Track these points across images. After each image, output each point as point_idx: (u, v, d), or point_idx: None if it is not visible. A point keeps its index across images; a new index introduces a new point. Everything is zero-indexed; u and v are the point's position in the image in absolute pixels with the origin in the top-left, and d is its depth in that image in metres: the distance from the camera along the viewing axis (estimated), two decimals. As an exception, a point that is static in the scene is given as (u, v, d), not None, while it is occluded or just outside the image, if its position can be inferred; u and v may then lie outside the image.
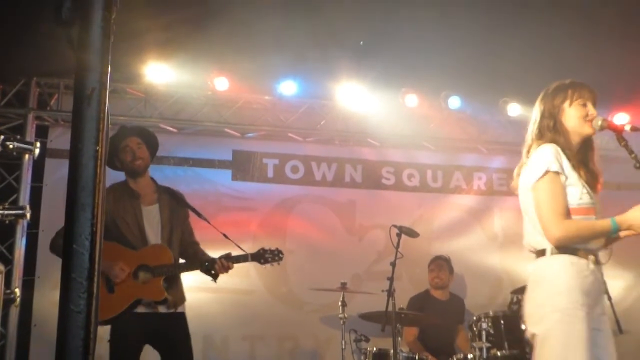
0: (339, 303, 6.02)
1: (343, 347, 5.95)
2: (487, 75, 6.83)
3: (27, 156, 6.50)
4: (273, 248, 5.02)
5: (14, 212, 3.85)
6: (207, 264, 4.80)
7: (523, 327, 3.43)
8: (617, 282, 7.42)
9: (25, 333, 6.59)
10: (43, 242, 6.81)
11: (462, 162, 8.35)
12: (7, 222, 3.68)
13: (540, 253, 3.28)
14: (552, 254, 3.23)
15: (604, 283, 3.36)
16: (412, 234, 6.05)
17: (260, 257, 4.95)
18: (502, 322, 6.00)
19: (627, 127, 3.55)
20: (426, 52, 6.35)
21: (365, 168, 8.06)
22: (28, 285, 6.65)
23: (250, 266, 5.65)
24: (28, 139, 6.63)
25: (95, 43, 1.45)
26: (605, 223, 3.27)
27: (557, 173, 3.25)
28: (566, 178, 3.27)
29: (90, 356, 1.35)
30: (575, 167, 3.34)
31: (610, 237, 3.36)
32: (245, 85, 7.34)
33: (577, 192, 3.28)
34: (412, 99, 7.59)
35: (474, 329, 6.06)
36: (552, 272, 3.21)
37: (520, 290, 6.32)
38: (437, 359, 6.37)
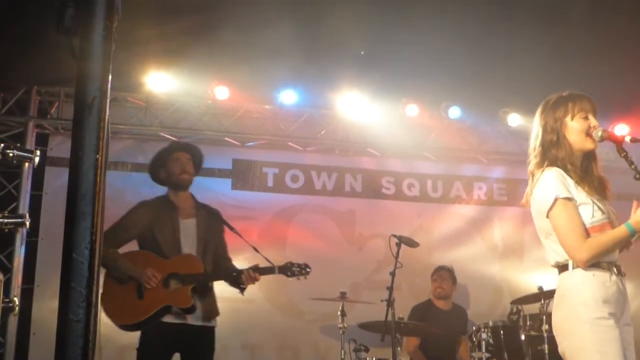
0: (339, 313, 6.01)
1: (342, 357, 5.94)
2: (488, 86, 6.85)
3: (27, 164, 6.47)
4: (301, 262, 5.11)
5: (13, 220, 3.84)
6: (234, 274, 4.90)
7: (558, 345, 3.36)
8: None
9: (24, 341, 6.57)
10: (42, 251, 6.81)
11: (462, 172, 8.35)
12: (6, 230, 3.67)
13: (564, 267, 3.29)
14: (574, 267, 3.24)
15: (626, 294, 3.40)
16: (411, 243, 6.04)
17: (287, 269, 5.03)
18: (501, 332, 6.00)
19: (627, 138, 3.55)
20: (427, 62, 6.36)
21: (365, 177, 8.06)
22: (27, 294, 6.64)
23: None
24: (28, 147, 6.63)
25: (96, 52, 1.45)
26: (622, 230, 3.29)
27: (566, 199, 3.25)
28: (576, 200, 3.28)
29: (89, 365, 1.34)
30: (580, 183, 3.34)
31: (630, 241, 3.38)
32: (245, 95, 7.35)
33: (589, 211, 3.29)
34: (412, 109, 7.60)
35: (474, 339, 6.05)
36: (575, 285, 3.22)
37: (520, 301, 6.32)
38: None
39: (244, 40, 6.01)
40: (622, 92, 6.83)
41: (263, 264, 5.03)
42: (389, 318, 5.72)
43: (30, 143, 6.94)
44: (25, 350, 6.57)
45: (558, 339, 3.27)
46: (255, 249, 5.16)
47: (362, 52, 6.42)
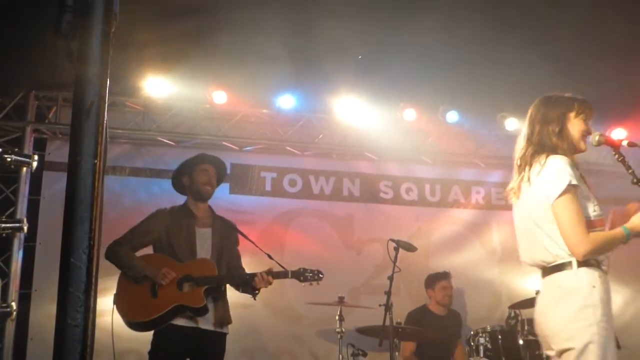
0: (337, 317, 6.00)
1: (340, 361, 5.93)
2: (485, 90, 6.86)
3: (24, 169, 6.51)
4: (314, 268, 5.19)
5: (11, 225, 3.84)
6: (247, 276, 4.99)
7: (548, 348, 3.32)
8: (615, 297, 7.37)
9: (22, 347, 6.56)
10: (40, 255, 6.80)
11: (460, 176, 8.35)
12: (4, 235, 3.67)
13: (560, 267, 3.24)
14: (579, 267, 3.20)
15: None
16: (409, 248, 6.04)
17: (300, 274, 5.14)
18: (499, 337, 6.00)
19: (625, 143, 3.55)
20: (424, 66, 6.37)
21: (363, 182, 8.06)
22: (25, 299, 6.63)
23: (247, 280, 5.67)
24: (26, 151, 6.63)
25: (94, 56, 1.45)
26: (619, 232, 3.29)
27: (575, 186, 3.22)
28: (582, 191, 3.28)
29: (87, 370, 1.34)
30: (581, 177, 3.34)
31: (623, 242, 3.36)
32: (243, 99, 7.35)
33: (591, 205, 3.30)
34: (410, 113, 7.61)
35: (472, 343, 6.05)
36: (584, 285, 3.18)
37: (518, 305, 6.32)
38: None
39: (241, 45, 6.02)
40: (619, 97, 6.85)
41: (276, 269, 5.12)
42: (387, 323, 5.71)
43: (28, 148, 6.93)
44: (22, 355, 6.55)
45: (555, 340, 3.21)
46: (270, 256, 5.23)
47: (360, 57, 6.42)
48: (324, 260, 7.43)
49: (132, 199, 7.29)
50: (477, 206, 8.29)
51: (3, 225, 3.66)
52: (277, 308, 7.29)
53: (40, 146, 7.17)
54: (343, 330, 5.94)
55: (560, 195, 3.19)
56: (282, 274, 5.06)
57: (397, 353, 5.88)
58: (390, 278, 5.76)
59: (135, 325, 4.85)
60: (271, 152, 7.84)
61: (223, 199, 7.43)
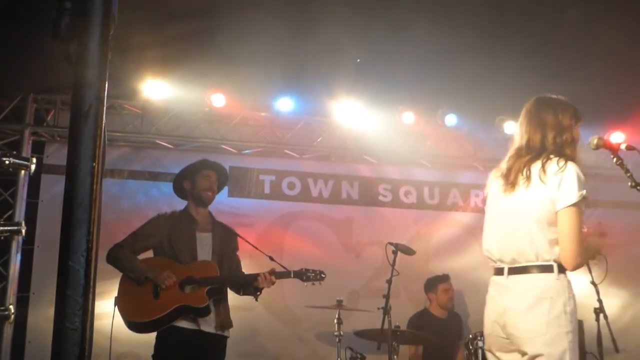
0: (335, 320, 6.00)
1: (339, 364, 5.93)
2: (484, 93, 6.86)
3: (23, 172, 6.51)
4: (316, 268, 5.22)
5: (9, 228, 3.84)
6: (250, 277, 5.01)
7: (511, 350, 3.29)
8: (613, 301, 7.41)
9: (20, 350, 6.55)
10: (38, 258, 6.79)
11: (458, 179, 8.36)
12: (2, 238, 3.67)
13: (542, 268, 3.21)
14: (559, 272, 3.20)
15: None
16: (407, 251, 6.04)
17: (303, 274, 5.17)
18: (498, 340, 5.98)
19: (623, 146, 3.56)
20: (423, 70, 6.38)
21: (362, 185, 8.07)
22: (23, 302, 6.62)
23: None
24: (24, 154, 6.63)
25: (93, 59, 1.45)
26: (591, 250, 3.36)
27: (585, 198, 3.22)
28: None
29: (85, 374, 1.34)
30: None
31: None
32: (242, 102, 7.35)
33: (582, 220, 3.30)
34: (408, 117, 7.62)
35: (470, 347, 6.04)
36: (564, 291, 3.18)
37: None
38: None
39: (240, 48, 6.02)
40: (617, 100, 6.86)
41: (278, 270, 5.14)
42: (386, 326, 5.71)
43: (26, 151, 6.93)
44: (20, 358, 6.55)
45: (531, 343, 3.16)
46: (271, 258, 5.26)
47: (358, 60, 6.43)
48: (323, 263, 7.40)
49: (131, 202, 7.29)
50: (476, 209, 8.29)
51: (1, 228, 3.66)
52: (276, 311, 7.29)
53: (38, 149, 7.17)
54: (342, 333, 5.95)
55: (574, 204, 3.18)
56: (284, 274, 5.09)
57: (395, 356, 5.88)
58: (389, 281, 5.76)
59: (136, 325, 4.85)
60: (270, 155, 7.84)
61: (222, 202, 7.42)
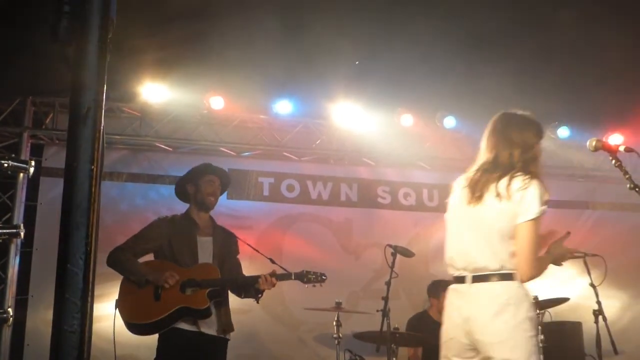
0: (334, 322, 5.99)
1: (338, 367, 5.92)
2: (482, 95, 6.86)
3: (21, 175, 6.50)
4: (317, 271, 5.20)
5: (7, 230, 3.83)
6: (251, 279, 4.97)
7: (472, 357, 3.40)
8: (612, 303, 7.41)
9: (18, 353, 6.54)
10: (37, 261, 6.79)
11: (457, 181, 8.35)
12: (0, 240, 3.67)
13: (505, 276, 3.33)
14: (519, 279, 3.32)
15: None
16: (407, 253, 6.03)
17: (304, 276, 5.13)
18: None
19: (622, 148, 3.56)
20: (421, 72, 6.38)
21: (360, 187, 8.07)
22: (21, 305, 6.61)
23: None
24: (23, 157, 6.63)
25: (91, 62, 1.45)
26: (548, 259, 3.43)
27: (544, 214, 3.34)
28: None
29: (84, 377, 1.34)
30: None
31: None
32: (240, 105, 7.36)
33: None
34: (407, 119, 7.62)
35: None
36: (526, 298, 3.30)
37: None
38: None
39: (238, 51, 6.02)
40: (616, 102, 6.86)
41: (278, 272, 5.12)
42: (385, 328, 5.70)
43: (25, 153, 6.93)
44: (19, 361, 6.55)
45: (497, 349, 3.23)
46: (272, 261, 5.23)
47: (357, 62, 6.43)
48: (323, 265, 7.40)
49: (129, 204, 7.28)
50: (475, 211, 8.29)
51: (0, 231, 3.65)
52: (275, 313, 7.28)
53: (37, 152, 7.17)
54: (341, 335, 5.94)
55: (534, 218, 3.29)
56: (285, 276, 5.06)
57: (394, 359, 5.87)
58: (388, 283, 5.75)
59: (136, 327, 4.82)
60: (269, 158, 7.84)
61: (221, 205, 7.37)
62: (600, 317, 5.88)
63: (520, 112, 3.67)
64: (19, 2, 5.03)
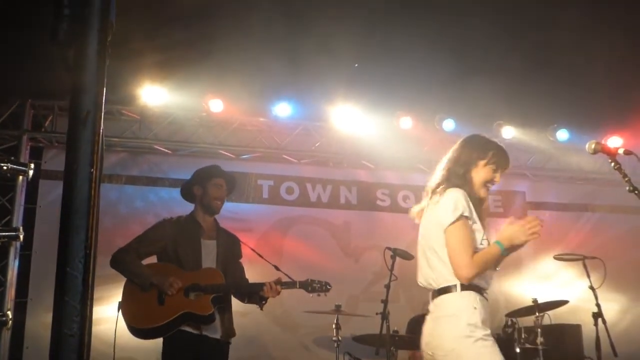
0: (333, 325, 5.99)
1: (337, 370, 5.92)
2: (481, 99, 6.87)
3: (21, 178, 6.51)
4: (322, 280, 5.17)
5: (7, 233, 3.84)
6: (255, 286, 4.95)
7: None
8: (611, 305, 7.41)
9: (17, 356, 6.53)
10: (36, 264, 6.78)
11: (457, 184, 8.35)
12: (0, 243, 3.66)
13: (446, 290, 3.41)
14: (461, 290, 3.37)
15: None
16: (406, 256, 6.02)
17: (308, 285, 5.11)
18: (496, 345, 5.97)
19: (621, 151, 3.56)
20: (420, 75, 6.38)
21: (360, 190, 8.07)
22: (20, 308, 6.61)
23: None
24: (22, 160, 6.62)
25: (90, 65, 1.45)
26: (495, 247, 3.42)
27: (467, 218, 3.42)
28: (473, 222, 3.45)
29: (83, 380, 1.33)
30: (478, 214, 3.51)
31: (503, 256, 3.47)
32: (240, 107, 7.36)
33: (479, 237, 3.46)
34: (406, 122, 7.63)
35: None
36: (467, 307, 3.34)
37: (515, 314, 6.32)
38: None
39: (238, 54, 6.03)
40: (615, 105, 6.87)
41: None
42: (384, 331, 5.70)
43: (24, 156, 6.93)
44: (18, 364, 6.54)
45: (447, 357, 3.30)
46: (277, 267, 5.23)
47: (356, 65, 6.44)
48: (322, 268, 7.45)
49: (129, 207, 7.28)
50: (475, 214, 8.29)
51: (-1, 234, 3.65)
52: (275, 316, 7.27)
53: (36, 155, 7.17)
54: (340, 338, 5.93)
55: (452, 223, 3.38)
56: (290, 284, 5.04)
57: (394, 362, 5.87)
58: (387, 286, 5.75)
59: (139, 332, 4.78)
60: (268, 160, 7.84)
61: (220, 207, 7.44)
62: (599, 320, 5.88)
63: (483, 137, 3.83)
64: (18, 5, 5.03)
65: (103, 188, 1.47)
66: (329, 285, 5.17)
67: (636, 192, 3.41)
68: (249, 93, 7.04)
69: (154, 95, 7.01)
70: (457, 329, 3.29)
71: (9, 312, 4.49)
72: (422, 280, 3.61)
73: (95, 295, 1.41)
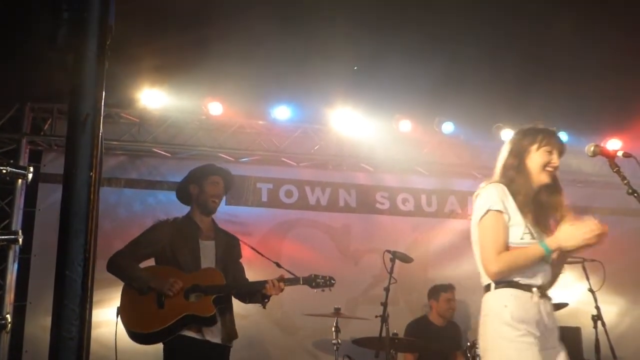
0: (333, 328, 5.98)
1: (337, 373, 5.91)
2: (481, 101, 6.87)
3: (20, 181, 6.49)
4: (325, 275, 5.10)
5: (6, 237, 3.84)
6: (258, 284, 4.85)
7: None
8: (610, 308, 7.41)
9: (17, 359, 6.53)
10: (35, 268, 6.78)
11: (456, 186, 8.36)
12: (-1, 247, 3.67)
13: (486, 289, 3.42)
14: (496, 288, 3.36)
15: (552, 318, 3.41)
16: (405, 259, 6.03)
17: (312, 281, 5.04)
18: (496, 347, 5.97)
19: (620, 153, 3.56)
20: (419, 78, 6.38)
21: (359, 193, 8.07)
22: (19, 311, 6.60)
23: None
24: (21, 163, 6.62)
25: (89, 69, 1.46)
26: (536, 247, 3.34)
27: (498, 212, 3.38)
28: (509, 218, 3.39)
29: (82, 383, 1.33)
30: (523, 209, 3.43)
31: (547, 258, 3.40)
32: (239, 110, 7.36)
33: (518, 232, 3.38)
34: (405, 124, 7.63)
35: (469, 354, 6.03)
36: (498, 305, 3.31)
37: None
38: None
39: (237, 57, 6.02)
40: (614, 108, 6.87)
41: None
42: (384, 334, 5.70)
43: (23, 159, 6.93)
44: (17, 367, 6.53)
45: (485, 357, 3.33)
46: (278, 264, 5.16)
47: (355, 68, 6.44)
48: (322, 271, 7.39)
49: (128, 210, 7.28)
50: (474, 217, 8.29)
51: (-2, 237, 3.65)
52: (274, 319, 7.26)
53: (35, 158, 7.16)
54: (339, 341, 5.93)
55: (481, 218, 3.41)
56: (293, 281, 4.95)
57: (393, 364, 5.87)
58: (387, 289, 5.75)
59: (140, 336, 4.67)
60: (267, 163, 7.84)
61: (220, 210, 7.33)
62: (599, 322, 5.88)
63: (531, 126, 3.71)
64: (17, 8, 5.03)
65: (102, 191, 1.47)
66: (333, 280, 5.09)
67: (635, 194, 3.41)
68: (248, 96, 7.04)
69: (153, 98, 7.01)
70: (489, 329, 3.30)
71: (8, 316, 4.48)
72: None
73: (94, 299, 1.41)
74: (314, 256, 7.58)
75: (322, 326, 6.75)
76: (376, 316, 5.73)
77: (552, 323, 3.40)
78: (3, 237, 3.82)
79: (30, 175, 3.41)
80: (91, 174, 1.41)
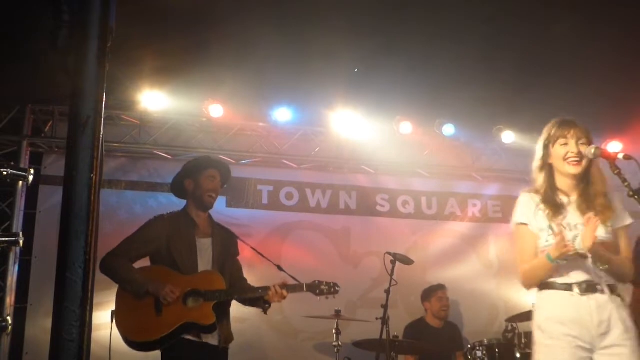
0: (333, 331, 5.97)
1: (337, 375, 5.90)
2: (481, 103, 6.87)
3: (20, 183, 6.50)
4: (329, 281, 4.94)
5: (7, 239, 3.83)
6: (260, 290, 4.70)
7: None
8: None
9: (17, 361, 6.53)
10: (36, 270, 6.78)
11: (456, 189, 8.36)
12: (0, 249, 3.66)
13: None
14: (538, 291, 3.46)
15: (608, 314, 3.32)
16: (406, 261, 6.02)
17: (316, 288, 4.88)
18: (496, 350, 5.98)
19: (620, 156, 3.55)
20: (420, 80, 6.39)
21: (359, 195, 8.06)
22: (20, 313, 6.60)
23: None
24: (22, 165, 6.63)
25: (90, 71, 1.46)
26: (541, 259, 3.38)
27: (522, 224, 3.47)
28: (535, 225, 3.44)
29: (82, 386, 1.33)
30: (547, 207, 3.44)
31: (557, 264, 3.35)
32: (239, 113, 7.36)
33: (544, 236, 3.41)
34: (406, 127, 7.62)
35: (469, 357, 6.04)
36: (535, 308, 3.43)
37: (515, 319, 6.31)
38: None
39: (237, 59, 6.03)
40: (615, 110, 6.87)
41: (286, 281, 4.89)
42: (384, 336, 5.69)
43: (24, 162, 6.93)
44: (17, 370, 6.53)
45: None
46: (280, 268, 5.05)
47: (356, 70, 6.44)
48: (321, 274, 7.35)
49: (128, 212, 7.28)
50: (474, 219, 8.30)
51: (-1, 239, 3.65)
52: (274, 322, 7.25)
53: (36, 160, 7.16)
54: (340, 344, 5.92)
55: (513, 232, 3.53)
56: (297, 288, 4.78)
57: (394, 367, 5.86)
58: (387, 291, 5.74)
59: (137, 345, 4.49)
60: (268, 166, 7.84)
61: (220, 213, 7.38)
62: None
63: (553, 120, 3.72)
64: (18, 10, 5.04)
65: (103, 193, 1.47)
66: (338, 287, 4.92)
67: (636, 197, 3.40)
68: (248, 98, 7.04)
69: (154, 100, 7.01)
70: (533, 331, 3.40)
71: (8, 318, 4.46)
72: None
73: (95, 301, 1.41)
74: (314, 259, 7.58)
75: (323, 329, 6.75)
76: (376, 318, 5.73)
77: (609, 319, 3.29)
78: (4, 239, 3.82)
79: (31, 178, 3.41)
80: (92, 176, 1.41)
